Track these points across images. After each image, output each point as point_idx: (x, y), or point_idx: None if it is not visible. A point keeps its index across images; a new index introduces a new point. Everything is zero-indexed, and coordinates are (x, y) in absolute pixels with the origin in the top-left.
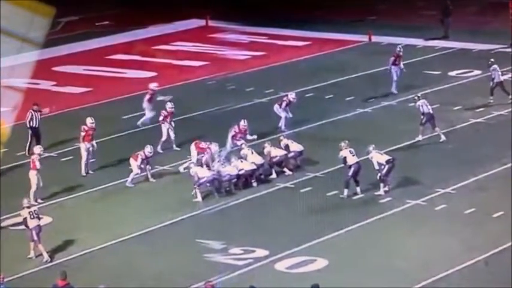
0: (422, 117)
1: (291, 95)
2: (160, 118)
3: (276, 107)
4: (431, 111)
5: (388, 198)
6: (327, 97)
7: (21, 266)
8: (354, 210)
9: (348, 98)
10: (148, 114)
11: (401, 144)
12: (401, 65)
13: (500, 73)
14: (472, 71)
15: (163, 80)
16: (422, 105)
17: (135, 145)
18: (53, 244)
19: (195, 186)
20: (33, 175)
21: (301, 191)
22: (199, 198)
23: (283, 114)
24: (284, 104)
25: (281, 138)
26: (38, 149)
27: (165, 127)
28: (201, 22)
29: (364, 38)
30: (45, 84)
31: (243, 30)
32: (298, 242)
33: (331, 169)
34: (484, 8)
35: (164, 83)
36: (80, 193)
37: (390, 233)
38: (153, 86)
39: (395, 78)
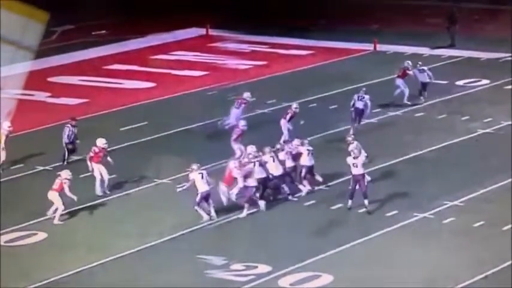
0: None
1: (294, 106)
2: None
3: (282, 121)
4: (427, 80)
5: (395, 212)
6: (331, 107)
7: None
8: (359, 224)
9: (352, 109)
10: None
11: (408, 156)
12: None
13: None
14: (480, 80)
15: (162, 90)
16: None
17: (133, 158)
18: (47, 261)
19: (196, 206)
20: (55, 196)
21: (305, 204)
22: (204, 216)
23: (286, 131)
24: (288, 116)
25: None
26: (65, 173)
27: None
28: (201, 31)
29: (369, 47)
30: (40, 96)
31: (244, 39)
32: (302, 257)
33: (336, 182)
34: (491, 15)
35: (163, 93)
36: (76, 207)
37: (397, 247)
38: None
39: (402, 88)
